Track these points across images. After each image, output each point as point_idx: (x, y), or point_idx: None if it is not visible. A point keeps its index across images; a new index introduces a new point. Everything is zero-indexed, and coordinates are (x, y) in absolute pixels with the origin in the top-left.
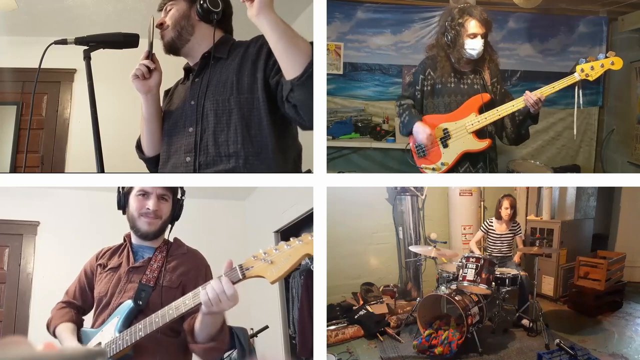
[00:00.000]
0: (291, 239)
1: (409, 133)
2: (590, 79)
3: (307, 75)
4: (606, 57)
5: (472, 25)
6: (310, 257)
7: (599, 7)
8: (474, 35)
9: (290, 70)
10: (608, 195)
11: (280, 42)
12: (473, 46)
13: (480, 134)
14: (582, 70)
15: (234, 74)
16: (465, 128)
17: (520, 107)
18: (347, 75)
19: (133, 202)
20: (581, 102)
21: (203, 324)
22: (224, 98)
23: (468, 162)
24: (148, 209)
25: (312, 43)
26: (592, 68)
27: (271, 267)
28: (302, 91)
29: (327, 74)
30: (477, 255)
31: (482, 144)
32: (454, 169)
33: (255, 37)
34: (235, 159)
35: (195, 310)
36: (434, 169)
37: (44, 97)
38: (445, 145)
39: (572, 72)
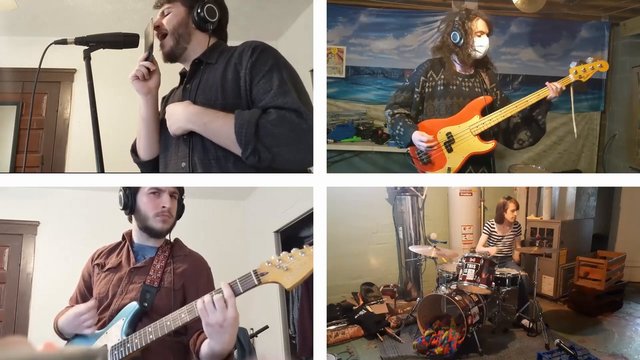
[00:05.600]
0: (304, 246)
1: (408, 145)
2: (582, 80)
3: (250, 151)
4: (594, 60)
5: (481, 24)
6: None
7: (600, 12)
8: (482, 33)
9: (234, 150)
10: (608, 195)
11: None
12: (481, 43)
13: (484, 135)
14: (576, 72)
15: (219, 78)
16: (470, 131)
17: (533, 102)
18: (349, 79)
19: (145, 201)
20: (573, 103)
21: (210, 349)
22: (210, 103)
23: (470, 166)
24: (164, 207)
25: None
26: (584, 70)
27: (287, 274)
28: (260, 158)
29: (330, 77)
30: (477, 255)
31: (488, 146)
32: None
33: (244, 42)
34: (224, 162)
35: None
36: None
37: (44, 97)
38: (450, 150)
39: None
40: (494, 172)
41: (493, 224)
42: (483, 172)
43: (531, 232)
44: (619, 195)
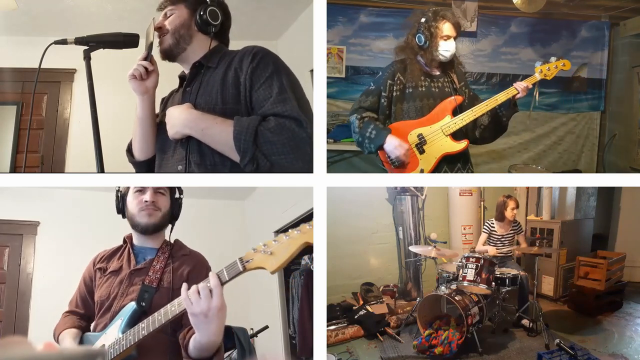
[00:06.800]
0: (289, 230)
1: (379, 148)
2: (547, 78)
3: (248, 159)
4: (557, 60)
5: (447, 28)
6: (310, 257)
7: (600, 12)
8: (448, 37)
9: (232, 157)
10: (608, 195)
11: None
12: (447, 48)
13: (455, 135)
14: (541, 71)
15: (219, 82)
16: (441, 131)
17: (502, 101)
18: (349, 79)
19: (131, 200)
20: (537, 100)
21: (195, 342)
22: (209, 107)
23: (445, 165)
24: (146, 201)
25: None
26: (549, 69)
27: (271, 258)
28: (258, 166)
29: (329, 77)
30: (477, 255)
31: (461, 145)
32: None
33: (245, 46)
34: (221, 168)
35: None
36: None
37: (44, 97)
38: (422, 151)
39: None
40: (468, 169)
41: (493, 223)
42: (459, 169)
43: (531, 232)
44: (619, 195)
